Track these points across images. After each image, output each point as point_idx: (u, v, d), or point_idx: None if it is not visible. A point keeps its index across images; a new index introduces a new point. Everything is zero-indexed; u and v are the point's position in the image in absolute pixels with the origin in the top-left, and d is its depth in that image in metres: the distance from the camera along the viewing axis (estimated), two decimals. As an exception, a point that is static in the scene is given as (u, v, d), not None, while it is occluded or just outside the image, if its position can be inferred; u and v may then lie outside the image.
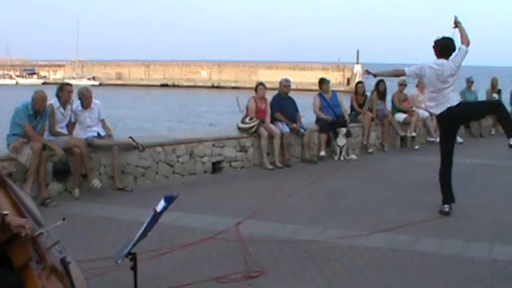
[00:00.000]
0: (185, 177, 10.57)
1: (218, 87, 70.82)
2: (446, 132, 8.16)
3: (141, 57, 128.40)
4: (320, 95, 13.06)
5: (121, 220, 7.76)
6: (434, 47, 7.97)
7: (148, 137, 11.21)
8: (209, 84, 72.18)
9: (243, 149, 11.46)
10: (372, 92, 14.24)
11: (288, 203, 8.65)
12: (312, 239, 7.04)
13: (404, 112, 14.57)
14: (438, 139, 14.54)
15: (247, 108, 11.84)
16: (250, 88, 55.09)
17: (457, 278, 5.81)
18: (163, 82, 74.59)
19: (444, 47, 7.93)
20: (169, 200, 4.11)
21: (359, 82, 14.09)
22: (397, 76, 9.13)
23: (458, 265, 6.18)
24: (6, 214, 3.76)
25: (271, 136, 11.59)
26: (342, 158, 12.74)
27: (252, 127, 11.50)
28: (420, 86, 15.26)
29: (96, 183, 9.05)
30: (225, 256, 6.37)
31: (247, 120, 11.67)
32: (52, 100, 9.26)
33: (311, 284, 5.71)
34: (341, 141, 12.70)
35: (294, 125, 12.17)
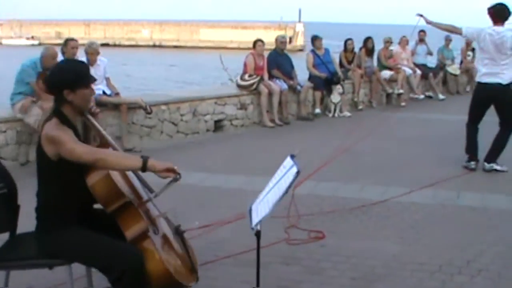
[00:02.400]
0: (188, 136, 10.25)
1: (159, 46, 69.41)
2: (480, 104, 8.11)
3: (82, 16, 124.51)
4: (313, 51, 12.86)
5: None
6: (489, 13, 7.84)
7: (151, 95, 10.75)
8: (151, 43, 70.67)
9: (243, 106, 11.18)
10: (360, 49, 14.08)
11: (314, 161, 8.41)
12: (355, 196, 6.91)
13: (390, 69, 14.47)
14: (421, 96, 14.76)
15: (245, 65, 11.53)
16: (191, 47, 54.47)
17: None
18: (104, 41, 72.69)
19: (498, 11, 7.79)
20: (292, 158, 3.86)
21: (348, 39, 13.84)
22: (452, 32, 8.98)
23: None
24: (148, 157, 3.45)
25: (270, 93, 11.31)
26: (336, 115, 12.60)
27: (253, 84, 11.20)
28: (402, 43, 15.23)
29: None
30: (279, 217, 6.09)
31: (246, 77, 11.37)
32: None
33: (384, 239, 5.60)
34: (335, 98, 12.57)
35: (291, 82, 11.94)
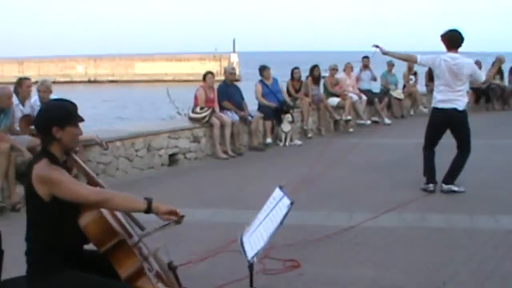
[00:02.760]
0: (144, 171, 10.12)
1: (95, 81, 68.59)
2: (436, 129, 8.27)
3: (14, 54, 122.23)
4: (261, 81, 12.94)
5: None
6: (442, 40, 8.02)
7: (104, 131, 10.60)
8: (86, 79, 69.73)
9: (196, 139, 11.13)
10: (306, 77, 14.26)
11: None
12: (323, 224, 6.95)
13: (337, 96, 14.67)
14: (368, 121, 15.00)
15: (196, 98, 11.51)
16: (127, 81, 53.78)
17: (486, 249, 6.02)
18: (38, 78, 71.32)
19: (451, 38, 7.99)
20: (281, 189, 3.88)
21: (295, 68, 14.00)
22: (407, 61, 9.17)
23: (479, 237, 6.39)
24: (151, 199, 3.44)
25: (222, 125, 11.32)
26: (287, 144, 12.67)
27: (205, 116, 11.19)
28: (347, 70, 15.51)
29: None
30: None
31: (197, 109, 11.34)
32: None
33: (359, 265, 5.64)
34: (286, 127, 12.64)
35: (242, 113, 11.96)
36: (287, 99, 13.15)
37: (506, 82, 18.25)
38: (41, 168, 3.34)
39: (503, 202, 7.75)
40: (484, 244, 6.17)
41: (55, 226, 3.40)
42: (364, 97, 15.46)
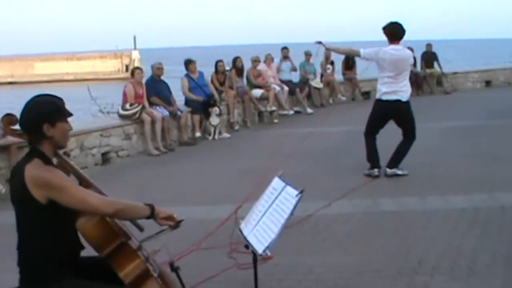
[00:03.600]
0: (78, 172, 9.75)
1: (-7, 83, 65.90)
2: (380, 118, 8.43)
3: None
4: (187, 75, 12.77)
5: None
6: (384, 32, 8.14)
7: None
8: (-16, 81, 66.90)
9: (127, 137, 10.86)
10: (230, 70, 14.18)
11: (215, 184, 8.39)
12: None
13: (260, 87, 14.69)
14: (291, 112, 15.12)
15: (125, 94, 11.22)
16: (27, 83, 51.96)
17: (446, 228, 6.22)
18: None
19: (393, 31, 8.14)
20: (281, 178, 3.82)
21: (219, 61, 13.88)
22: (350, 55, 9.23)
23: (436, 217, 6.61)
24: (152, 204, 3.35)
25: (152, 121, 11.11)
26: (216, 137, 12.59)
27: (135, 113, 10.94)
28: (268, 61, 15.56)
29: (-1, 188, 8.06)
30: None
31: (127, 106, 11.07)
32: None
33: (329, 252, 5.68)
34: (214, 120, 12.55)
35: (171, 108, 11.77)
36: (214, 92, 13.05)
37: (418, 68, 18.79)
38: (36, 170, 3.10)
39: (447, 182, 8.00)
40: (443, 224, 6.36)
41: (51, 231, 3.16)
42: (285, 88, 15.55)
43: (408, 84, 8.21)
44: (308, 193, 6.93)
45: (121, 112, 11.19)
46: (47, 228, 3.16)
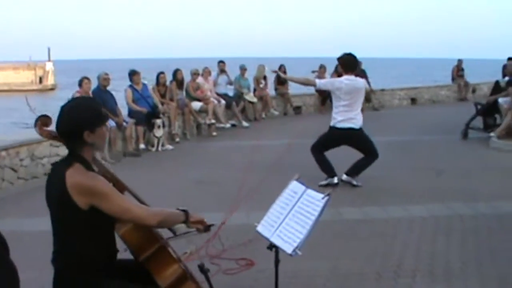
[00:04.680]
0: (28, 181, 9.65)
1: None
2: (333, 143, 8.80)
3: None
4: (131, 86, 12.77)
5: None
6: (340, 63, 8.57)
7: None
8: None
9: (75, 147, 10.77)
10: (170, 82, 14.26)
11: (166, 194, 8.51)
12: (243, 223, 6.91)
13: (199, 100, 14.84)
14: (228, 125, 15.33)
15: (73, 104, 11.12)
16: None
17: (414, 235, 6.60)
18: None
19: (347, 62, 8.60)
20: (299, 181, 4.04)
21: (160, 73, 13.95)
22: (306, 85, 9.57)
23: (401, 225, 6.99)
24: (186, 209, 3.41)
25: (100, 132, 11.06)
26: (159, 149, 12.64)
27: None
28: (205, 74, 15.75)
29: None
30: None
31: (75, 116, 10.98)
32: None
33: (306, 258, 5.87)
34: (158, 132, 12.60)
35: (117, 119, 11.77)
36: (158, 104, 13.12)
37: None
38: (79, 176, 3.07)
39: (401, 193, 8.42)
40: (409, 231, 6.73)
41: (91, 236, 3.16)
42: (222, 101, 15.78)
43: (360, 112, 8.62)
44: (267, 202, 7.00)
45: (70, 122, 11.09)
46: (87, 233, 3.15)
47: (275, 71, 9.23)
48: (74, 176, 3.07)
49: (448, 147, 12.22)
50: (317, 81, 8.90)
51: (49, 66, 61.40)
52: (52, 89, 57.71)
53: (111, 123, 11.49)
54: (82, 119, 3.17)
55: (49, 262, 3.27)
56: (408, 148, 12.06)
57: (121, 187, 3.57)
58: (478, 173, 9.69)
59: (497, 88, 13.31)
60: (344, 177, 8.67)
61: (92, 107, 3.26)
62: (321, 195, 3.82)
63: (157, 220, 3.16)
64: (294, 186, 4.08)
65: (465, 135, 13.07)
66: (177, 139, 13.74)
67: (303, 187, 3.99)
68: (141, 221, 3.15)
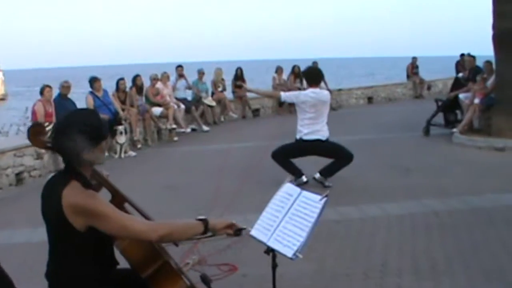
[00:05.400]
0: (-8, 193, 9.42)
1: None
2: (299, 153, 8.82)
3: None
4: (92, 93, 12.59)
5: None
6: (304, 77, 8.62)
7: None
8: None
9: (39, 156, 10.56)
10: (130, 88, 14.10)
11: (139, 199, 8.38)
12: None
13: (159, 105, 14.71)
14: (188, 129, 15.24)
15: (34, 113, 10.95)
16: None
17: (393, 234, 6.63)
18: None
19: (311, 75, 8.73)
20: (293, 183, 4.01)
21: (120, 79, 13.76)
22: (271, 97, 9.57)
23: (378, 224, 7.01)
24: (206, 218, 3.22)
25: (62, 140, 10.87)
26: (122, 156, 12.48)
27: (47, 132, 10.64)
28: (164, 79, 15.63)
29: None
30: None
31: (37, 125, 10.76)
32: None
33: (289, 262, 5.75)
34: (120, 139, 12.44)
35: (79, 127, 11.56)
36: (119, 110, 12.94)
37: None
38: (76, 196, 2.92)
39: (373, 192, 8.47)
40: (387, 230, 6.77)
41: (88, 255, 3.05)
42: (182, 106, 15.68)
43: (325, 124, 8.65)
44: (244, 207, 6.95)
45: (31, 131, 10.85)
46: (83, 253, 3.03)
47: (239, 84, 9.25)
48: (71, 196, 2.93)
49: (411, 144, 12.38)
50: (282, 94, 8.96)
51: (-1, 76, 60.16)
52: (2, 99, 56.61)
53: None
54: (80, 139, 2.99)
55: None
56: (372, 146, 12.14)
57: (120, 199, 3.45)
58: (445, 169, 9.83)
59: (457, 84, 13.54)
60: (317, 175, 8.67)
61: (91, 125, 3.05)
62: (319, 197, 3.80)
63: (159, 235, 2.96)
64: (288, 188, 4.02)
65: (426, 131, 13.24)
66: (139, 145, 13.57)
67: (298, 189, 3.94)
68: (142, 237, 3.00)
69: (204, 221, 3.17)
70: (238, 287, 5.33)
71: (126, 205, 3.50)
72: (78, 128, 3.01)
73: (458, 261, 5.66)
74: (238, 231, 3.39)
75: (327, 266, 5.70)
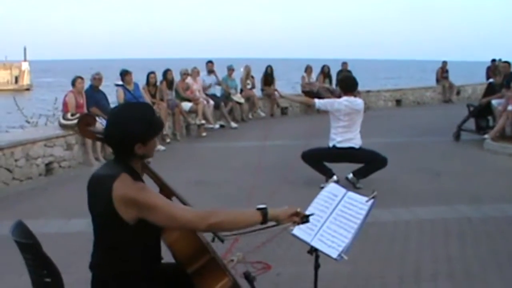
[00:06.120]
0: (23, 182, 9.48)
1: None
2: (333, 160, 8.81)
3: None
4: (123, 86, 12.64)
5: None
6: (339, 84, 8.57)
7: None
8: None
9: (69, 147, 10.64)
10: (161, 82, 14.13)
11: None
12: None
13: (189, 100, 14.73)
14: (216, 126, 15.25)
15: (65, 104, 10.99)
16: None
17: (425, 237, 6.61)
18: None
19: (348, 84, 8.72)
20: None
21: (151, 73, 13.80)
22: (305, 104, 9.54)
23: (411, 228, 7.00)
24: (266, 208, 3.11)
25: (94, 132, 10.92)
26: (152, 149, 12.48)
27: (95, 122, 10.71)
28: (194, 74, 15.65)
29: None
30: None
31: (69, 116, 10.84)
32: None
33: (327, 262, 5.75)
34: (150, 132, 12.44)
35: (110, 119, 11.61)
36: (151, 104, 12.97)
37: (334, 85, 19.39)
38: (127, 188, 2.91)
39: (404, 195, 8.43)
40: (420, 234, 6.71)
41: (136, 248, 3.04)
42: (211, 102, 15.69)
43: (359, 133, 8.65)
44: (272, 205, 6.83)
45: (63, 122, 10.94)
46: (131, 246, 3.03)
47: (275, 90, 9.22)
48: (122, 189, 2.92)
49: (442, 149, 12.28)
50: (316, 101, 8.90)
51: (25, 66, 60.75)
52: (27, 89, 57.17)
53: (103, 122, 11.31)
54: (134, 132, 2.98)
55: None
56: (402, 149, 12.03)
57: (168, 192, 3.48)
58: (476, 175, 9.74)
59: (490, 90, 13.40)
60: (350, 176, 8.64)
61: (145, 118, 3.03)
62: (365, 198, 3.80)
63: (209, 223, 2.91)
64: (333, 188, 4.02)
65: (457, 136, 13.13)
66: (168, 140, 13.60)
67: (343, 190, 3.94)
68: (190, 226, 2.98)
69: (264, 211, 3.06)
70: (273, 286, 5.30)
71: (174, 198, 3.48)
72: (134, 121, 2.99)
73: (493, 268, 5.61)
74: (305, 218, 3.26)
75: (361, 268, 5.66)
